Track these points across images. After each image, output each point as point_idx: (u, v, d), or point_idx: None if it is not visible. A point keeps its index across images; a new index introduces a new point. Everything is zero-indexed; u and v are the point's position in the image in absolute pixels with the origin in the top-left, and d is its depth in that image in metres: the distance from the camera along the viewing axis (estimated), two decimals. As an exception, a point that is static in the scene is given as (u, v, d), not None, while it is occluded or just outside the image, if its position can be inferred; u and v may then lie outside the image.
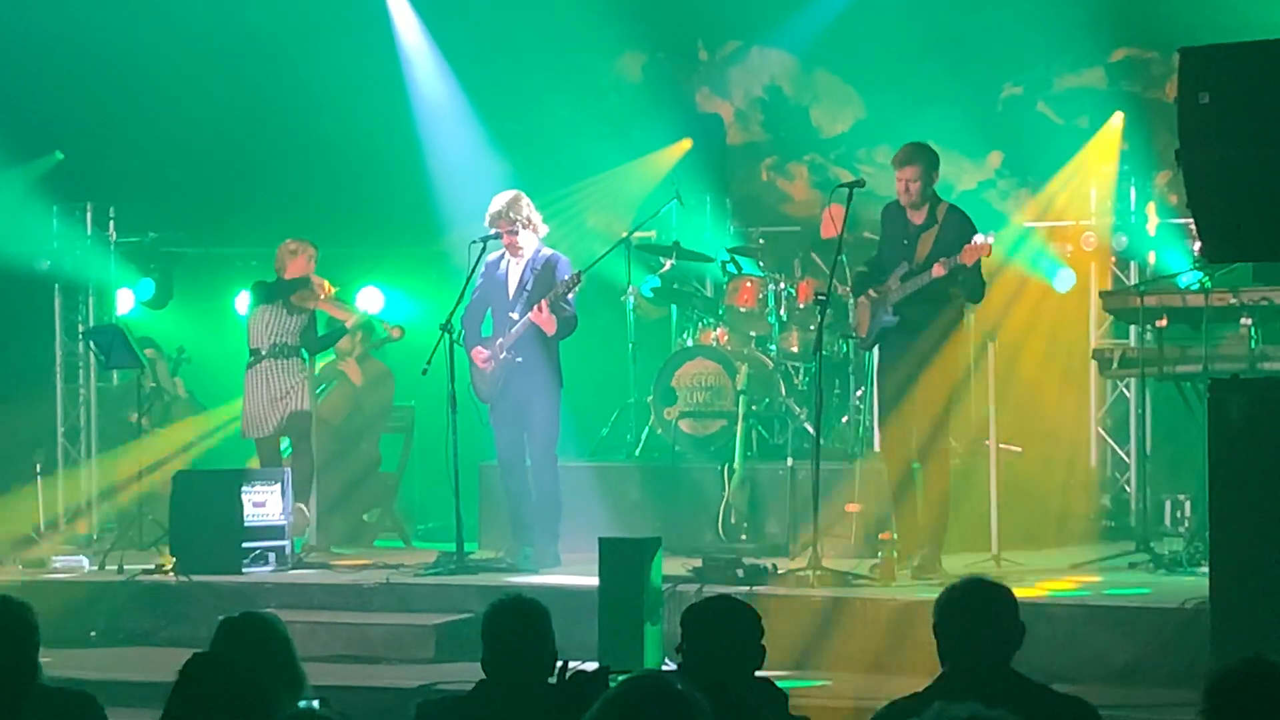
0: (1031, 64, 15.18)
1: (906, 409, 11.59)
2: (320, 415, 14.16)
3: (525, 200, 12.37)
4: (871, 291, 11.57)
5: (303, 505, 13.25)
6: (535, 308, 12.15)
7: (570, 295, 12.23)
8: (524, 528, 12.53)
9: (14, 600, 5.93)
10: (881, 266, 11.66)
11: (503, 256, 12.48)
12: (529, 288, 12.30)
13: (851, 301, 11.66)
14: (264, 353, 13.33)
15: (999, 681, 5.67)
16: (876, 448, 12.84)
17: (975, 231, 11.25)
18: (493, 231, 12.30)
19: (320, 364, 14.23)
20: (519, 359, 12.31)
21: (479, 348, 12.41)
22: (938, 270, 11.21)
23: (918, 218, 11.53)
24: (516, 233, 12.29)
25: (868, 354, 12.92)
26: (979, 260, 11.32)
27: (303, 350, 13.43)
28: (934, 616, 5.78)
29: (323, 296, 13.36)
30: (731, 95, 16.56)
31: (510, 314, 12.34)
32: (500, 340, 12.37)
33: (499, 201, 12.35)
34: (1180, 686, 9.26)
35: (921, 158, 11.48)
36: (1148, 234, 13.90)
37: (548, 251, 12.41)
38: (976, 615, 5.72)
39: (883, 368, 11.93)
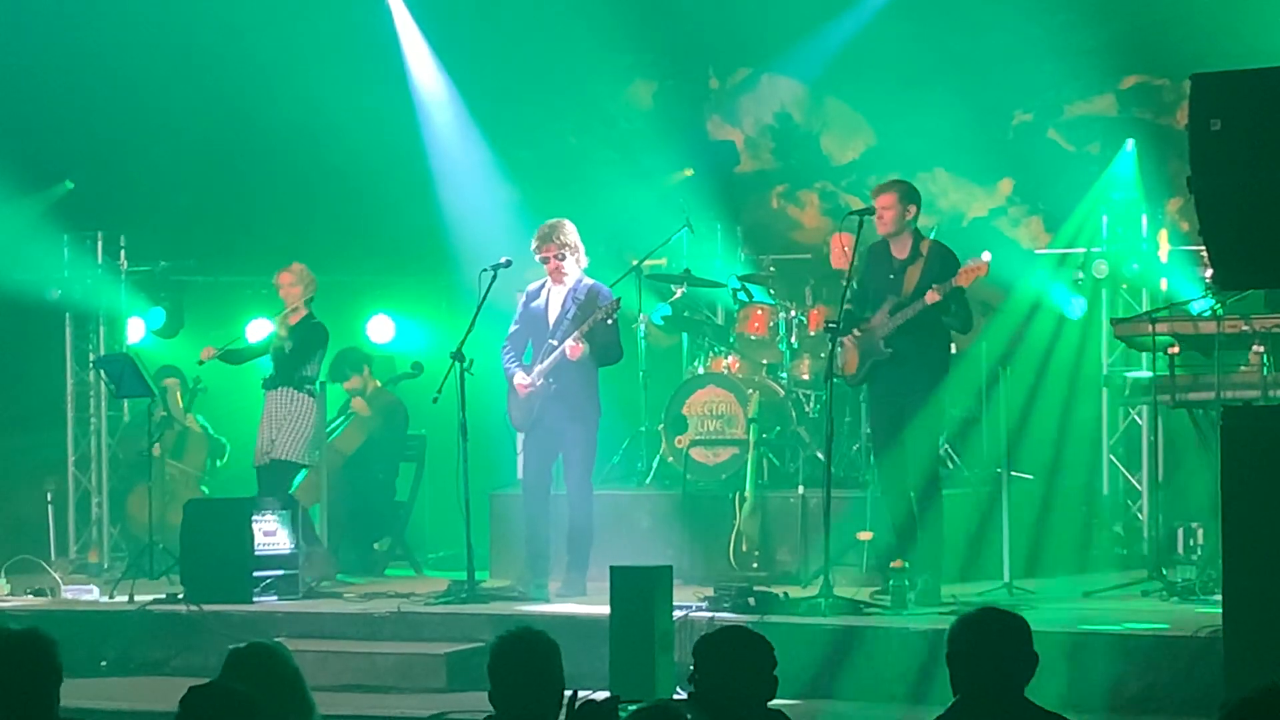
0: (1042, 91, 15.17)
1: (900, 442, 11.67)
2: (335, 448, 14.48)
3: (571, 226, 12.42)
4: (857, 330, 11.61)
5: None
6: (571, 338, 12.14)
7: (610, 321, 12.20)
8: (539, 557, 12.50)
9: (44, 637, 5.83)
10: (865, 304, 11.70)
11: (543, 286, 12.50)
12: (570, 316, 12.31)
13: (838, 341, 11.63)
14: (263, 384, 13.48)
15: (1012, 710, 5.65)
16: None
17: (959, 264, 11.38)
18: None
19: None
20: (554, 385, 12.30)
21: (520, 373, 12.42)
22: (931, 296, 11.33)
23: (901, 252, 11.65)
24: (564, 258, 12.31)
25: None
26: (965, 292, 11.45)
27: (288, 377, 13.43)
28: (947, 645, 5.75)
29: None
30: (742, 123, 16.57)
31: (550, 341, 12.34)
32: (539, 367, 12.37)
33: (546, 226, 12.40)
34: (1194, 715, 9.25)
35: (896, 187, 11.70)
36: (1159, 261, 13.89)
37: (589, 281, 12.43)
38: (990, 644, 5.69)
39: (874, 402, 11.95)
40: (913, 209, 11.65)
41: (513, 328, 12.57)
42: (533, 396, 12.37)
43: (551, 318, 12.42)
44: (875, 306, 11.68)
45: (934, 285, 11.34)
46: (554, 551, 12.56)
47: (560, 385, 12.30)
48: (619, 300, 12.30)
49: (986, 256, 11.43)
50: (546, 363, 12.34)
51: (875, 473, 12.31)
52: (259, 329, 14.00)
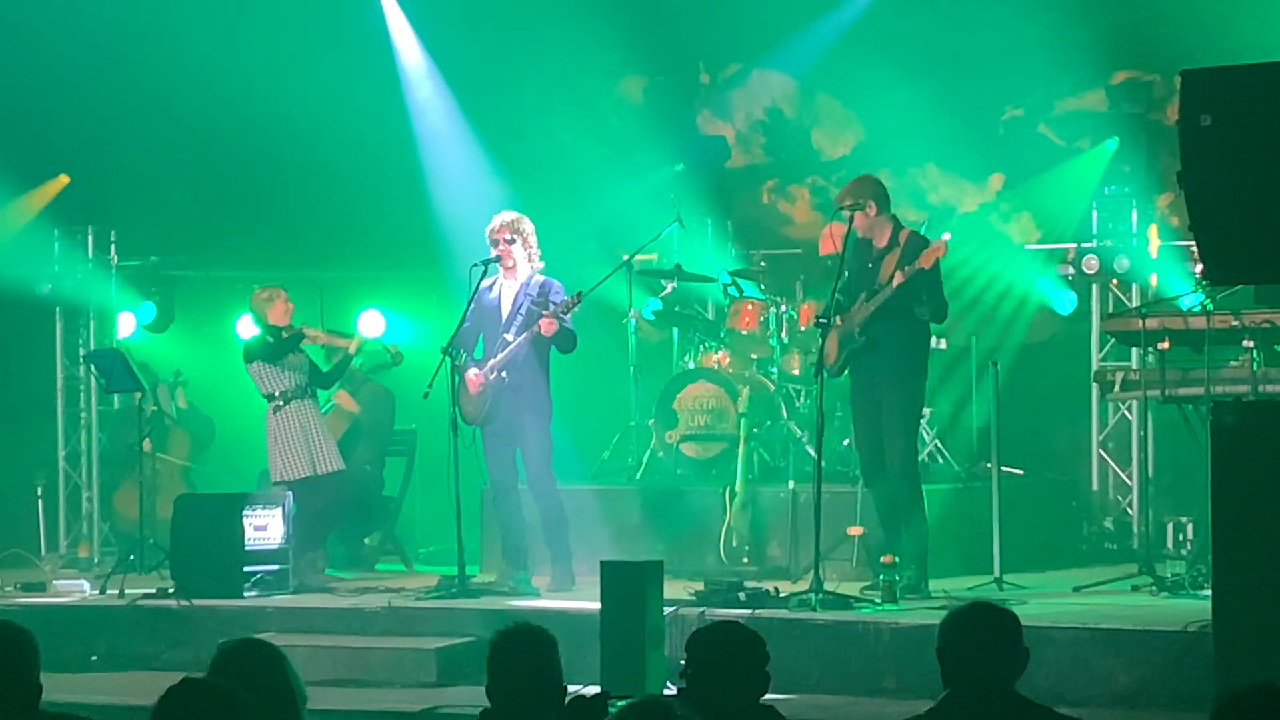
0: (1032, 86, 15.17)
1: (878, 430, 11.71)
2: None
3: (528, 222, 12.41)
4: (839, 320, 11.64)
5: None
6: (541, 317, 12.11)
7: (567, 315, 12.23)
8: (516, 552, 12.51)
9: (14, 626, 5.84)
10: (850, 295, 11.74)
11: (494, 283, 12.49)
12: (523, 311, 12.30)
13: (821, 336, 11.67)
14: (287, 395, 13.10)
15: (1002, 704, 5.65)
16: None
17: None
18: (494, 253, 12.32)
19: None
20: (508, 380, 12.30)
21: (473, 368, 12.41)
22: (898, 278, 11.34)
23: (881, 242, 11.70)
24: (514, 242, 12.29)
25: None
26: (940, 278, 11.53)
27: (315, 389, 13.32)
28: (938, 640, 5.75)
29: (315, 335, 13.20)
30: (733, 118, 16.57)
31: (504, 335, 12.34)
32: (491, 361, 12.36)
33: (503, 215, 12.41)
34: (1183, 710, 9.27)
35: (866, 190, 11.68)
36: (1149, 256, 13.90)
37: (541, 277, 12.42)
38: (981, 640, 5.68)
39: (854, 390, 11.98)
40: (872, 206, 11.63)
41: (464, 325, 12.47)
42: (485, 390, 12.36)
43: (504, 313, 12.41)
44: (856, 297, 11.72)
45: (901, 269, 11.39)
46: (532, 544, 12.57)
47: (513, 379, 12.31)
48: (580, 295, 12.26)
49: (945, 236, 11.53)
50: (501, 356, 12.32)
51: (858, 463, 12.31)
52: (248, 325, 13.93)
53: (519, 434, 12.41)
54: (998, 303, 14.73)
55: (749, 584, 11.43)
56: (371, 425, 14.85)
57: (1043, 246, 14.88)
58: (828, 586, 11.20)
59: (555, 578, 12.40)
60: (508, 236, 12.30)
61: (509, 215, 12.43)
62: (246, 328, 13.71)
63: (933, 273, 11.40)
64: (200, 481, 15.59)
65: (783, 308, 13.84)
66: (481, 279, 12.34)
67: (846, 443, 13.46)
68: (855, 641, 10.56)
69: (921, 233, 11.96)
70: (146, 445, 14.63)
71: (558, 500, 12.52)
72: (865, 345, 11.58)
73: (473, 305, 12.42)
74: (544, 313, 12.13)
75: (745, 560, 12.94)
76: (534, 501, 12.53)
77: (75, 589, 13.25)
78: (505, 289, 12.45)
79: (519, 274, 12.39)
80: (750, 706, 6.09)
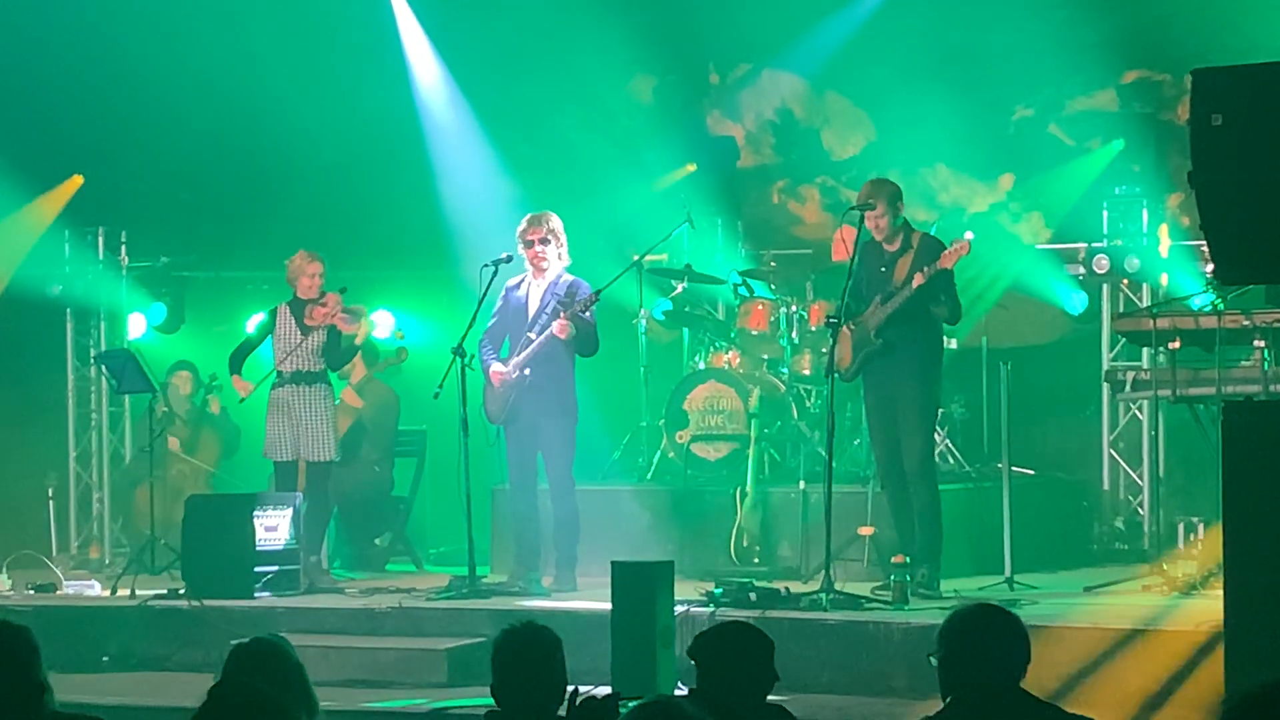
0: (1043, 86, 15.17)
1: (893, 432, 11.71)
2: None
3: (557, 219, 12.41)
4: (851, 324, 11.65)
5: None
6: (557, 319, 12.13)
7: (588, 313, 12.23)
8: (529, 552, 12.52)
9: (9, 624, 5.78)
10: (861, 299, 11.74)
11: (522, 281, 12.50)
12: (549, 310, 12.30)
13: (832, 337, 11.68)
14: (286, 376, 13.05)
15: (1011, 702, 5.63)
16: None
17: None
18: (525, 254, 12.33)
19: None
20: (530, 377, 12.30)
21: (496, 364, 12.42)
22: (918, 279, 11.38)
23: (892, 246, 11.73)
24: (549, 243, 12.29)
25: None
26: (954, 280, 11.56)
27: (328, 373, 13.23)
28: (939, 643, 5.73)
29: (333, 312, 13.14)
30: (743, 118, 16.57)
31: (529, 334, 12.34)
32: (515, 359, 12.36)
33: (537, 213, 12.42)
34: (1194, 710, 9.25)
35: (882, 193, 11.67)
36: (1160, 256, 13.89)
37: (569, 277, 12.42)
38: (983, 641, 5.66)
39: (869, 393, 11.99)
40: (900, 206, 11.70)
41: (491, 322, 12.54)
42: (508, 388, 12.36)
43: (531, 311, 12.41)
44: (869, 300, 11.73)
45: (921, 269, 11.40)
46: (545, 546, 12.57)
47: (536, 377, 12.31)
48: (598, 293, 12.29)
49: (969, 236, 11.58)
50: (524, 354, 12.33)
51: (872, 464, 12.31)
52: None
53: (541, 435, 12.42)
54: (1008, 303, 14.72)
55: (759, 584, 11.43)
56: (374, 424, 14.84)
57: (1053, 246, 14.87)
58: (838, 586, 11.20)
59: (557, 580, 12.40)
60: (543, 237, 12.31)
61: (539, 215, 12.42)
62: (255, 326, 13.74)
63: (950, 273, 11.45)
64: (223, 487, 15.59)
65: (793, 308, 13.84)
66: (493, 279, 12.33)
67: (857, 443, 13.48)
68: (866, 641, 10.56)
69: (932, 234, 11.97)
70: (174, 444, 14.69)
71: (573, 506, 12.51)
72: (882, 348, 11.60)
73: (501, 303, 12.46)
74: (563, 312, 12.14)
75: (756, 560, 12.94)
76: (551, 504, 12.53)
77: (86, 589, 13.26)
78: (533, 288, 12.46)
79: (549, 273, 12.40)
80: (758, 704, 6.09)
